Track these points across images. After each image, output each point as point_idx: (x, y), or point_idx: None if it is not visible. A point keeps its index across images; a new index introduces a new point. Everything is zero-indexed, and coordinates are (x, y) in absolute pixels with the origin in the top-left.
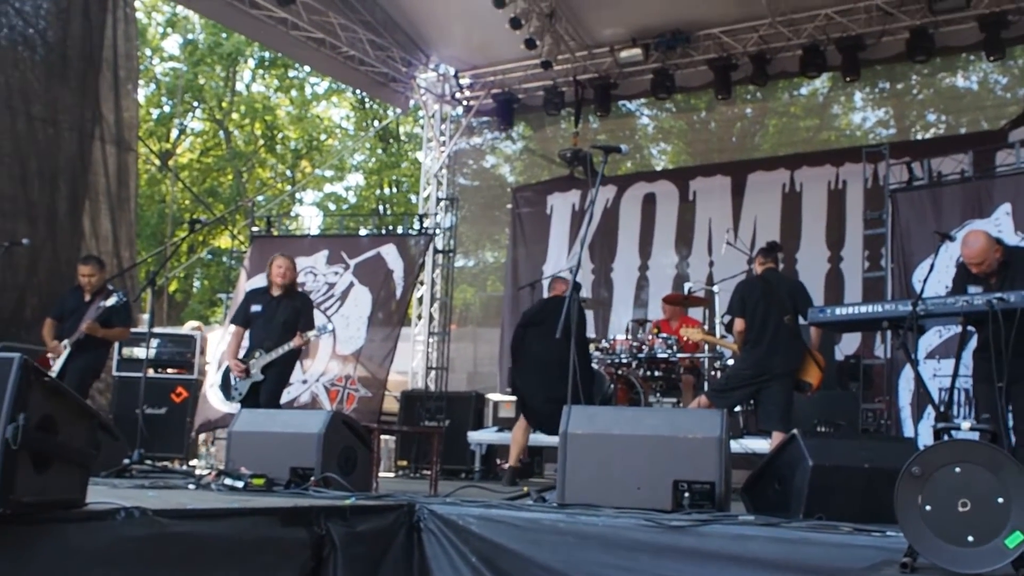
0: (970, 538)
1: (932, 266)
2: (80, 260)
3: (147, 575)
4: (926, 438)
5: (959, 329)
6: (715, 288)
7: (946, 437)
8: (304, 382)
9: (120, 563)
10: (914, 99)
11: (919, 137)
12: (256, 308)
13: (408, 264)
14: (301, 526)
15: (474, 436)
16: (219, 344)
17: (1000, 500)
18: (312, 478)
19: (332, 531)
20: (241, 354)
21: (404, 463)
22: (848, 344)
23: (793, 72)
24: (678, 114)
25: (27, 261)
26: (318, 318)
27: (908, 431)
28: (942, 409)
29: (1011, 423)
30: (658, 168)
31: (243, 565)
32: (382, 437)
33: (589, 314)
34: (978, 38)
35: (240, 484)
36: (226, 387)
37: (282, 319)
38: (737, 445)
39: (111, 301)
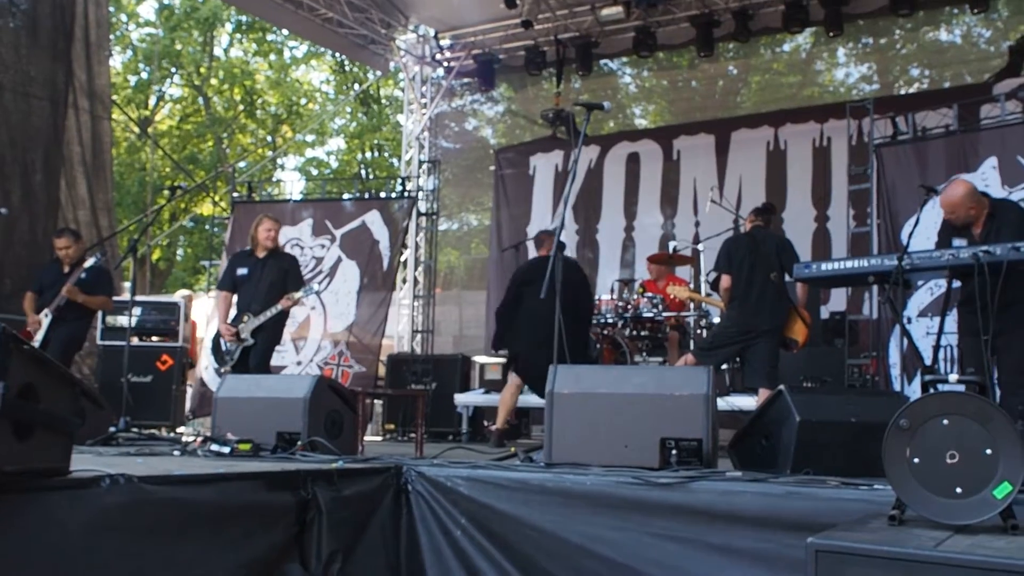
0: (958, 489)
1: (917, 220)
2: (54, 233)
3: (133, 541)
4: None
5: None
6: (700, 247)
7: (933, 390)
8: (299, 364)
9: (105, 530)
10: (897, 54)
11: (903, 92)
12: (242, 271)
13: (393, 232)
14: (287, 490)
15: (460, 398)
16: (209, 314)
17: (988, 451)
18: (299, 442)
19: (318, 495)
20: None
21: (391, 426)
22: (836, 303)
23: (776, 28)
24: (660, 72)
25: (2, 233)
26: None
27: (899, 388)
28: (929, 363)
29: (996, 376)
30: (641, 127)
31: (229, 530)
32: (371, 401)
33: None
34: None
35: (226, 450)
36: (218, 353)
37: (268, 280)
38: (724, 403)
39: (88, 263)
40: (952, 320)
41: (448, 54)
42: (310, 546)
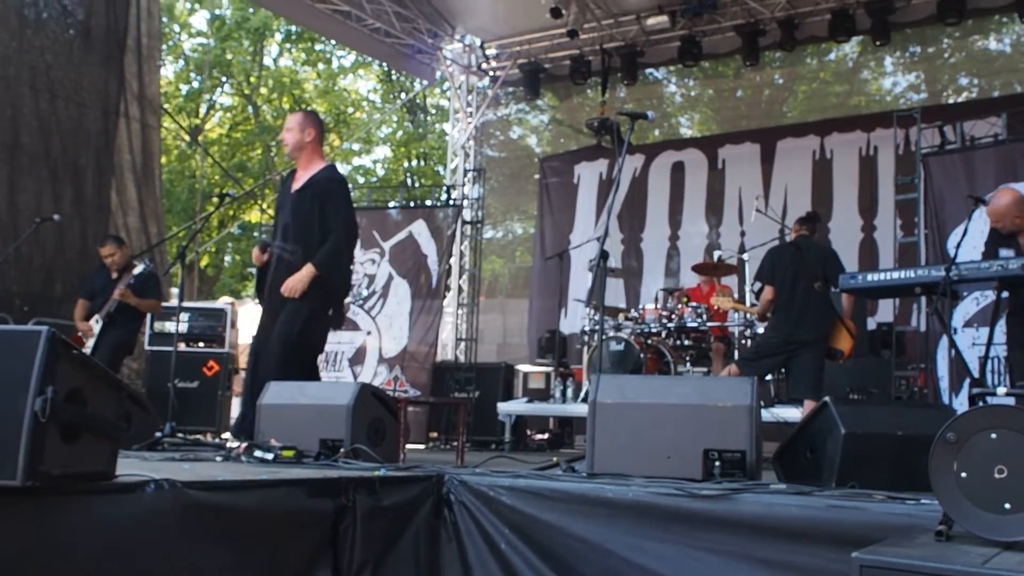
0: (1007, 505)
1: (965, 231)
2: (99, 243)
3: (175, 545)
4: (965, 407)
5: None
6: (745, 256)
7: (981, 403)
8: None
9: (148, 534)
10: (945, 63)
11: (951, 101)
12: None
13: (440, 245)
14: (328, 497)
15: (503, 407)
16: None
17: None
18: (341, 449)
19: (357, 503)
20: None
21: (435, 435)
22: (884, 314)
23: (822, 37)
24: (706, 81)
25: (55, 239)
26: (361, 320)
27: (947, 401)
28: (976, 375)
29: None
30: (686, 136)
31: (268, 535)
32: (415, 408)
33: (618, 283)
34: None
35: (270, 456)
36: None
37: None
38: (768, 414)
39: (138, 270)
40: (1000, 331)
41: (494, 63)
42: (343, 554)
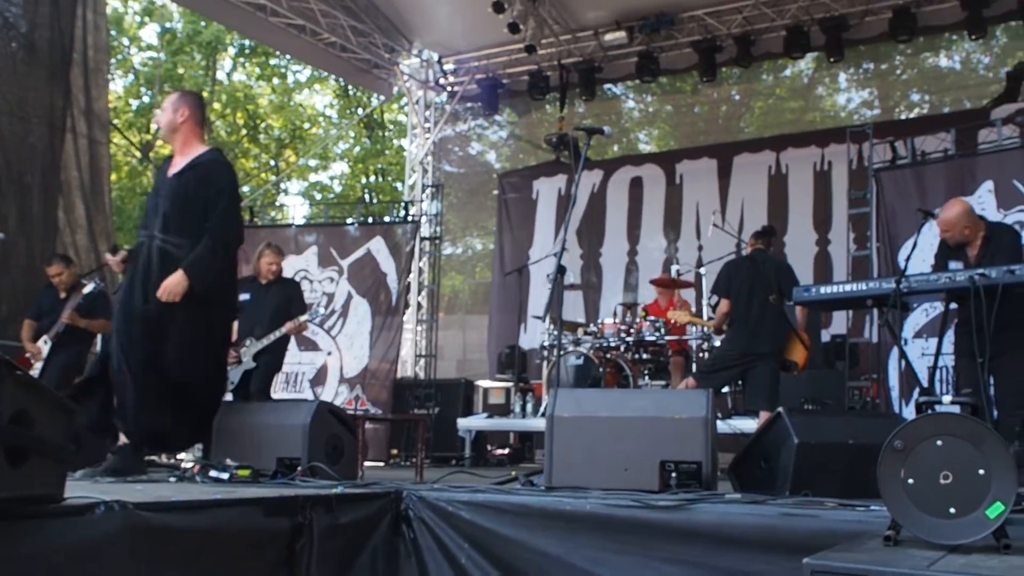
0: (952, 510)
1: (915, 244)
2: (45, 262)
3: (128, 568)
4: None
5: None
6: (703, 271)
7: (928, 411)
8: None
9: (100, 557)
10: (898, 79)
11: (903, 117)
12: (244, 297)
13: (399, 263)
14: (284, 516)
15: (463, 423)
16: None
17: (981, 472)
18: (299, 468)
19: (314, 521)
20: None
21: (395, 452)
22: (838, 326)
23: (778, 53)
24: (663, 97)
25: (8, 259)
26: (322, 340)
27: (898, 411)
28: (925, 384)
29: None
30: (644, 152)
31: (222, 556)
32: (375, 426)
33: (577, 297)
34: (960, 17)
35: (225, 476)
36: None
37: (273, 305)
38: (725, 426)
39: (87, 289)
40: (949, 341)
41: (452, 79)
42: (300, 573)
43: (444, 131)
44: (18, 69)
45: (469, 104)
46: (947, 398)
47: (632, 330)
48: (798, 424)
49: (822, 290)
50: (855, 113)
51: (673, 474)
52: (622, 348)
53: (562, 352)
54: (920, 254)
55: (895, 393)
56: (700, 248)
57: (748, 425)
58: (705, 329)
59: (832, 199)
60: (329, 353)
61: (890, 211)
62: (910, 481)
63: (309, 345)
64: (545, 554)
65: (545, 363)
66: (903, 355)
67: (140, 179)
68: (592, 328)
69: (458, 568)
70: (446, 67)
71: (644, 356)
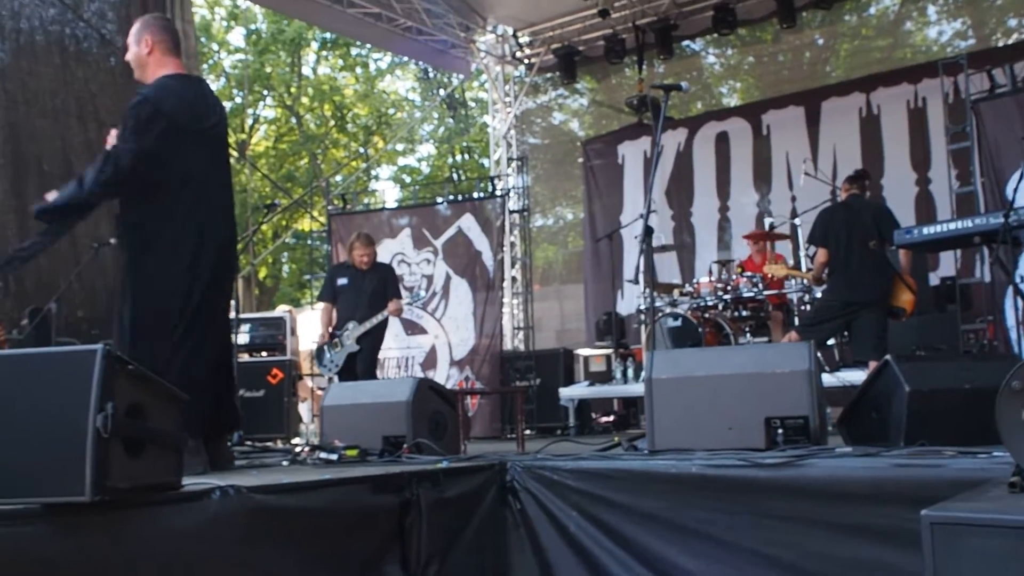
0: None
1: (1022, 174)
2: None
3: (243, 550)
4: None
5: None
6: (797, 221)
7: None
8: None
9: (217, 539)
10: (992, 5)
11: (1000, 44)
12: (343, 281)
13: (491, 239)
14: (392, 492)
15: (565, 392)
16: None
17: None
18: (404, 445)
19: (421, 497)
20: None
21: (499, 425)
22: (946, 268)
23: None
24: (744, 49)
25: (115, 262)
26: (427, 323)
27: (1019, 352)
28: None
29: None
30: (729, 106)
31: (335, 534)
32: (483, 401)
33: (672, 259)
34: None
35: (334, 456)
36: (320, 358)
37: (370, 290)
38: (834, 379)
39: None
40: None
41: (528, 51)
42: (411, 547)
43: (525, 104)
44: (118, 83)
45: (548, 75)
46: None
47: (729, 287)
48: (908, 371)
49: (925, 230)
50: (948, 45)
51: (780, 431)
52: (720, 307)
53: (659, 315)
54: None
55: (1013, 334)
56: (793, 199)
57: (857, 377)
58: (804, 281)
59: (929, 136)
60: (436, 336)
61: (992, 143)
62: None
63: (416, 329)
64: (654, 517)
65: (643, 327)
66: (1018, 292)
67: (238, 177)
68: (688, 288)
69: (568, 536)
70: (521, 40)
71: (744, 313)
